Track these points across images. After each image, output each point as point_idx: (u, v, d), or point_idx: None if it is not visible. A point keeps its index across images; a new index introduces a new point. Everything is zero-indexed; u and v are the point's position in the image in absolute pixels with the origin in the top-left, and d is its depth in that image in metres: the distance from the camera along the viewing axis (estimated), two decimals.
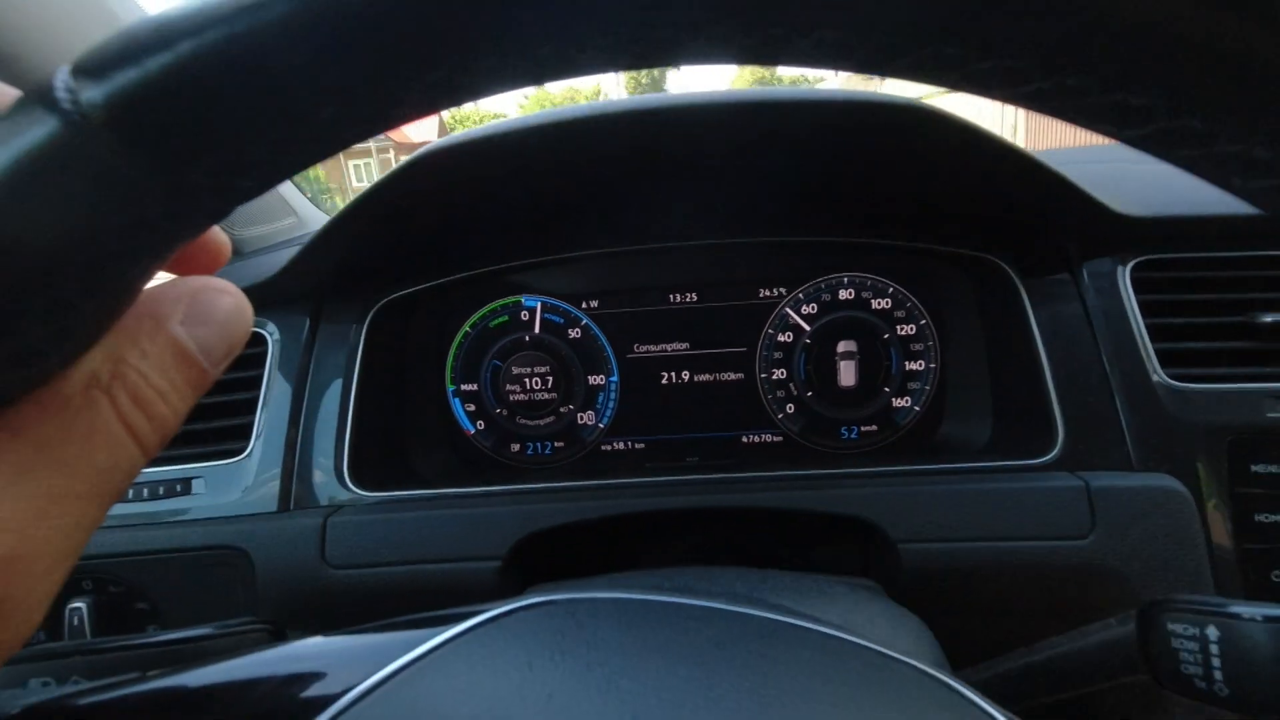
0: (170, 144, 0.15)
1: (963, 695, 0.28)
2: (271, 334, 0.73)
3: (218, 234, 0.22)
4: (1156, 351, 0.63)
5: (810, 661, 0.29)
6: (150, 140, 0.15)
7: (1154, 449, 0.61)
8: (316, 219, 1.09)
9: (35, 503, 0.16)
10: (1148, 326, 0.64)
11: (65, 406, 0.17)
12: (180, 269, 0.22)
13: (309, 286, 0.74)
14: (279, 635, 0.43)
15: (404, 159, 0.58)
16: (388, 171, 0.59)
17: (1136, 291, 0.65)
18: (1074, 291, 0.67)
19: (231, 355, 0.21)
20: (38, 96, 0.15)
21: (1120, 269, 0.66)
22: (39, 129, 0.14)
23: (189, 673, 0.29)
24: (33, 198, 0.14)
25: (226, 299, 0.21)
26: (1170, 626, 0.35)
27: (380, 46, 0.15)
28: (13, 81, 0.18)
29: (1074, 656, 0.41)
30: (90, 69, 0.14)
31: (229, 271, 0.85)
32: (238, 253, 1.00)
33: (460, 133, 0.56)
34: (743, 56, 0.16)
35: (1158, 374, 0.62)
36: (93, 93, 0.14)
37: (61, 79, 0.15)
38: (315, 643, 0.32)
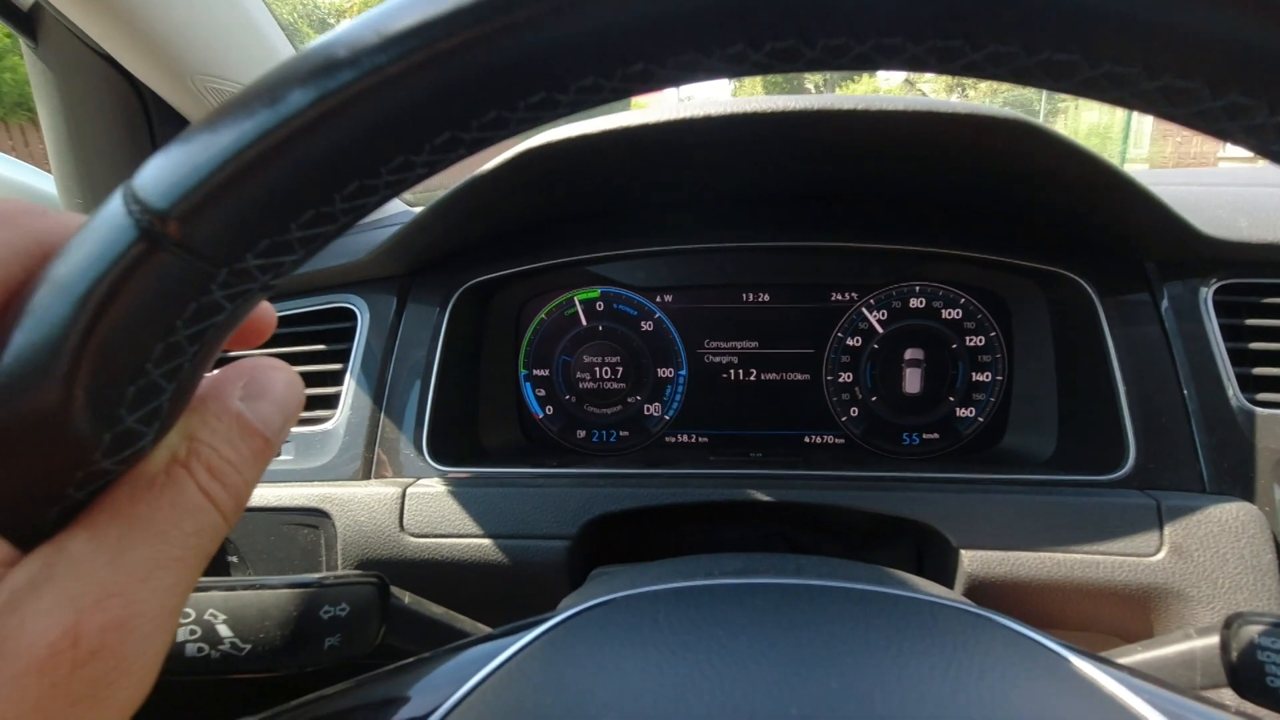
0: (229, 240, 0.18)
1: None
2: (361, 311, 0.77)
3: (264, 307, 0.24)
4: (1236, 375, 0.63)
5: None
6: (213, 239, 0.17)
7: (1228, 472, 0.61)
8: (394, 205, 1.14)
9: (137, 569, 0.18)
10: (1228, 350, 0.64)
11: (152, 484, 0.19)
12: (233, 342, 0.24)
13: (399, 268, 0.78)
14: (384, 586, 0.46)
15: (508, 153, 0.60)
16: (489, 165, 0.62)
17: (1218, 315, 0.65)
18: (1153, 311, 0.67)
19: (288, 425, 0.23)
20: (114, 217, 0.17)
21: (1202, 291, 0.66)
22: (121, 244, 0.17)
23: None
24: (122, 301, 0.17)
25: (279, 374, 0.23)
26: (1259, 640, 0.36)
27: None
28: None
29: (1151, 666, 0.42)
30: (154, 187, 0.17)
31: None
32: None
33: (564, 127, 0.59)
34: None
35: (1237, 398, 0.62)
36: (161, 208, 0.17)
37: (132, 200, 0.17)
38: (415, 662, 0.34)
